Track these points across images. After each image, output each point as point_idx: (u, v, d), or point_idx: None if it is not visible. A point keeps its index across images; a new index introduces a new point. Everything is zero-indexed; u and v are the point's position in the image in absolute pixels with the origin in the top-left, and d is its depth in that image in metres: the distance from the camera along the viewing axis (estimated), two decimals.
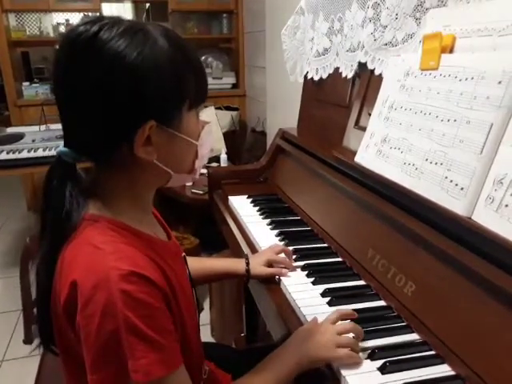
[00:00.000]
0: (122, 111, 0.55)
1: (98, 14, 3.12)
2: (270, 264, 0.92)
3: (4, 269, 2.54)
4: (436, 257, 0.71)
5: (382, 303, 0.80)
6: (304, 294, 0.83)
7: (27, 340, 1.90)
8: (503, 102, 0.64)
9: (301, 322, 0.77)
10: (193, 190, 2.20)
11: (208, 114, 2.78)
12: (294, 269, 0.91)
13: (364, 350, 0.67)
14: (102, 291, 0.51)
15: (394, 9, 0.98)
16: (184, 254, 0.76)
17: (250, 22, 3.15)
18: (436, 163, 0.74)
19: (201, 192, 2.15)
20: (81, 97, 0.55)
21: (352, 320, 0.71)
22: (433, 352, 0.67)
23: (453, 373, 0.63)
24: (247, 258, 0.93)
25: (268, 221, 1.15)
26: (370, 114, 0.97)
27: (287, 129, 1.43)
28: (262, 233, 1.09)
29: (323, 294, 0.82)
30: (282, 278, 0.88)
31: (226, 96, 3.34)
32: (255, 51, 3.05)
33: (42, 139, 2.35)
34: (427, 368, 0.64)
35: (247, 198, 1.31)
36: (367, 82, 1.08)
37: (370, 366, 0.64)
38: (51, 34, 3.35)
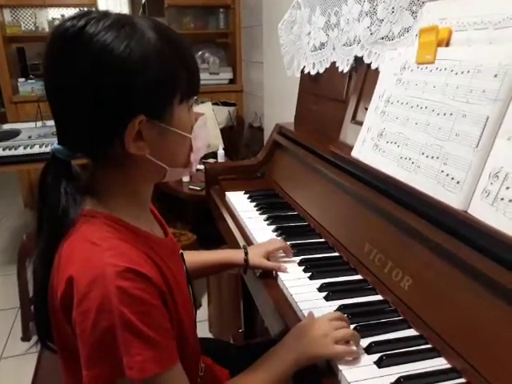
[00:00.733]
0: (110, 106, 0.55)
1: (93, 8, 3.10)
2: (268, 257, 0.92)
3: (1, 266, 2.54)
4: (432, 251, 0.71)
5: (378, 297, 0.80)
6: (301, 288, 0.83)
7: (25, 337, 1.89)
8: (499, 96, 0.64)
9: (298, 317, 0.77)
10: (190, 187, 2.20)
11: (205, 109, 2.76)
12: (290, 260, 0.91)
13: (360, 344, 0.67)
14: (97, 287, 0.51)
15: (391, 2, 0.97)
16: (181, 251, 0.75)
17: (246, 17, 3.13)
18: (432, 157, 0.74)
19: (198, 188, 2.15)
20: (69, 92, 0.55)
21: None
22: (429, 345, 0.67)
23: (449, 366, 0.63)
24: (246, 249, 0.93)
25: (265, 216, 1.15)
26: (366, 109, 0.97)
27: (284, 124, 1.43)
28: (260, 228, 1.09)
29: (320, 289, 0.82)
30: (279, 273, 0.88)
31: (223, 91, 3.33)
32: (252, 46, 3.04)
33: (38, 136, 2.34)
34: (423, 361, 0.64)
35: (244, 193, 1.31)
36: (364, 76, 1.07)
37: (367, 360, 0.64)
38: (47, 30, 3.33)
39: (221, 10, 3.34)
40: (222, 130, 2.85)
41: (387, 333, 0.70)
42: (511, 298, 0.57)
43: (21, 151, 2.18)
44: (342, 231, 0.98)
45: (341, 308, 0.76)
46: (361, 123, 0.97)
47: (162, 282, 0.57)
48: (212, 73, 3.28)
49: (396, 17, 0.97)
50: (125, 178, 0.62)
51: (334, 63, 1.23)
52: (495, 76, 0.65)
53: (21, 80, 3.22)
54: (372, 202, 0.88)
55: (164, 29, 0.59)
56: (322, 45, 1.29)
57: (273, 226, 1.09)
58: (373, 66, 1.03)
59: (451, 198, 0.68)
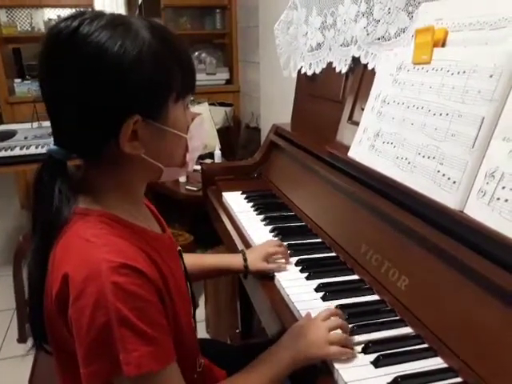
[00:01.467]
0: (105, 106, 0.55)
1: (89, 9, 3.09)
2: (267, 259, 0.91)
3: None
4: (429, 251, 0.71)
5: (375, 297, 0.80)
6: (298, 289, 0.83)
7: (21, 339, 1.88)
8: (494, 96, 0.64)
9: (295, 317, 0.77)
10: (187, 187, 2.19)
11: (202, 110, 2.76)
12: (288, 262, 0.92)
13: (357, 343, 0.67)
14: (93, 284, 0.51)
15: (387, 3, 0.98)
16: (180, 248, 0.75)
17: (243, 18, 3.13)
18: (428, 157, 0.74)
19: (195, 189, 2.14)
20: (64, 93, 0.55)
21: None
22: (426, 345, 0.67)
23: (445, 365, 0.63)
24: (244, 254, 0.92)
25: (262, 217, 1.15)
26: (363, 109, 0.97)
27: (281, 124, 1.43)
28: (256, 229, 1.09)
29: (317, 289, 0.82)
30: (276, 273, 0.88)
31: (220, 92, 3.32)
32: (249, 46, 3.04)
33: (34, 136, 2.32)
34: (420, 361, 0.64)
35: (241, 194, 1.31)
36: (360, 76, 1.08)
37: (364, 360, 0.65)
38: (43, 30, 3.32)
39: (217, 10, 3.34)
40: (219, 131, 2.85)
41: (384, 332, 0.70)
42: (508, 297, 0.57)
43: (17, 152, 2.17)
44: (338, 231, 0.98)
45: (338, 308, 0.76)
46: (357, 123, 0.97)
47: (158, 277, 0.57)
48: (209, 73, 3.28)
49: (392, 17, 0.97)
50: (119, 176, 0.62)
51: (330, 64, 1.23)
52: (491, 76, 0.65)
53: (17, 81, 3.21)
54: (369, 202, 0.88)
55: (159, 28, 0.59)
56: (319, 45, 1.29)
57: (270, 227, 1.09)
58: (369, 67, 1.04)
59: (447, 198, 0.68)
